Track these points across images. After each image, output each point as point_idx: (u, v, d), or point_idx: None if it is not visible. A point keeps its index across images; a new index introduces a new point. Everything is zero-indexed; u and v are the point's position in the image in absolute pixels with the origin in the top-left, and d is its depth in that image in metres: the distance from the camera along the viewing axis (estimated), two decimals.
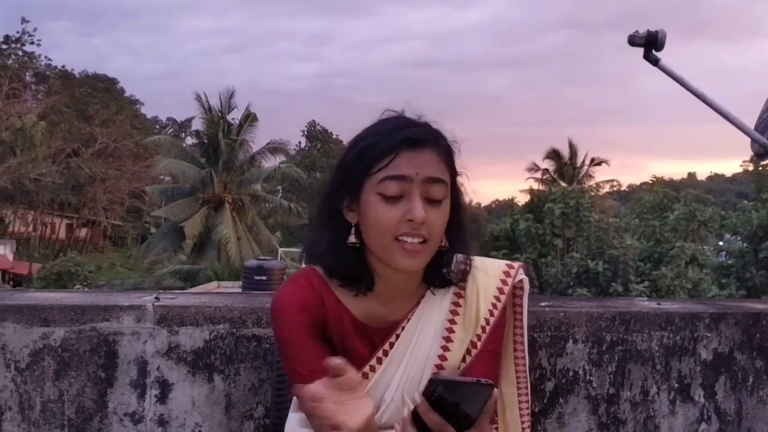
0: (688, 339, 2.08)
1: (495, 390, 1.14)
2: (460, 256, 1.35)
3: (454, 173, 1.30)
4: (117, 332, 1.82)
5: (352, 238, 1.28)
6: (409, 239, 1.22)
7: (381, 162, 1.22)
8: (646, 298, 2.51)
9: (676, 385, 2.07)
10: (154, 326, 1.83)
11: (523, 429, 1.47)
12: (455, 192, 1.31)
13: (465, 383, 1.17)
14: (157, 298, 1.92)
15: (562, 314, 1.98)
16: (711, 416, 2.10)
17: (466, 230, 1.34)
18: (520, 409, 1.46)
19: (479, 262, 1.39)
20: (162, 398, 1.83)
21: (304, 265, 1.41)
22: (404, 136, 1.22)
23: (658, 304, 2.22)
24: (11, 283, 31.76)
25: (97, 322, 1.82)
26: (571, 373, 1.99)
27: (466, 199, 1.34)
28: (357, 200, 1.26)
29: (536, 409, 1.94)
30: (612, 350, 2.01)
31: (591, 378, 2.00)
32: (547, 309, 1.99)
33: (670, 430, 2.07)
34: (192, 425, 1.84)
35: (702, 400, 2.09)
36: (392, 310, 1.34)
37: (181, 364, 1.84)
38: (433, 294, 1.36)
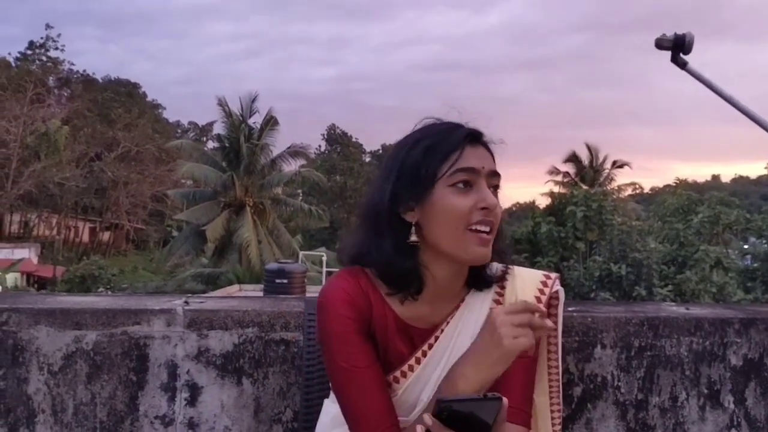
0: (718, 344, 2.06)
1: (505, 400, 1.14)
2: (498, 265, 1.37)
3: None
4: (148, 336, 1.84)
5: (413, 237, 1.30)
6: (482, 227, 1.26)
7: (450, 157, 1.27)
8: (673, 303, 2.49)
9: (706, 391, 2.05)
10: (183, 330, 1.85)
11: None
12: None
13: (473, 400, 1.16)
14: (186, 302, 1.94)
15: (589, 319, 1.97)
16: (741, 422, 2.08)
17: (505, 233, 1.37)
18: (552, 418, 1.46)
19: (518, 271, 1.42)
20: (192, 401, 1.85)
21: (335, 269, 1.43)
22: (467, 132, 1.30)
23: (687, 309, 2.20)
24: (35, 286, 32.19)
25: (128, 325, 1.84)
26: (599, 379, 1.98)
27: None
28: (420, 198, 1.28)
29: (564, 415, 1.93)
30: (640, 356, 2.00)
31: (619, 383, 1.99)
32: (574, 314, 1.98)
33: None
34: (221, 428, 1.86)
35: (732, 406, 2.07)
36: (435, 311, 1.36)
37: (210, 367, 1.86)
38: (475, 295, 1.38)
